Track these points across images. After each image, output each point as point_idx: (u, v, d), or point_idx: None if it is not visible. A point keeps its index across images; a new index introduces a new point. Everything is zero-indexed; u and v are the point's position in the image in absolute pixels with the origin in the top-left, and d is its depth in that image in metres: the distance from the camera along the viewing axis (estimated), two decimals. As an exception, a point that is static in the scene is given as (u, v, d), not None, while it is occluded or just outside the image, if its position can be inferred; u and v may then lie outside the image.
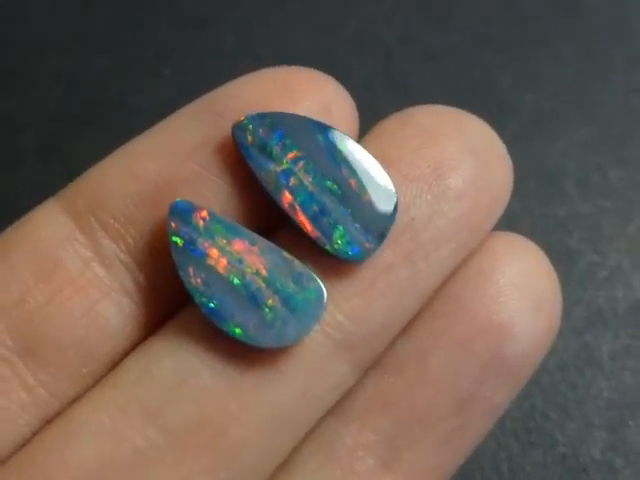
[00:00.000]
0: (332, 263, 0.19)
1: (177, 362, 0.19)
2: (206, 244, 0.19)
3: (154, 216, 0.19)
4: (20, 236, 0.20)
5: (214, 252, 0.19)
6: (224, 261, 0.18)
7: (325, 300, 0.19)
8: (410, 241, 0.20)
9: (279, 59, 0.21)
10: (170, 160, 0.19)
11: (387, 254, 0.20)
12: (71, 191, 0.20)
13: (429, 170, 0.20)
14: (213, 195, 0.19)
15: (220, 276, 0.18)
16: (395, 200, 0.19)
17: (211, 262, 0.18)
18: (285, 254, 0.19)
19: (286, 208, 0.19)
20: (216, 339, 0.19)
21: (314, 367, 0.19)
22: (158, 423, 0.18)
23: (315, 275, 0.19)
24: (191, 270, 0.18)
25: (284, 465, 0.20)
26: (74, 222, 0.19)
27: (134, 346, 0.19)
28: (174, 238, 0.19)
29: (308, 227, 0.19)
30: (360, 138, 0.20)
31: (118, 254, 0.19)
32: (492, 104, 0.34)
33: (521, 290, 0.20)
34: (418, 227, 0.20)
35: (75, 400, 0.19)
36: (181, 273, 0.18)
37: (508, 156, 0.21)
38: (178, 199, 0.19)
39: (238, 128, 0.19)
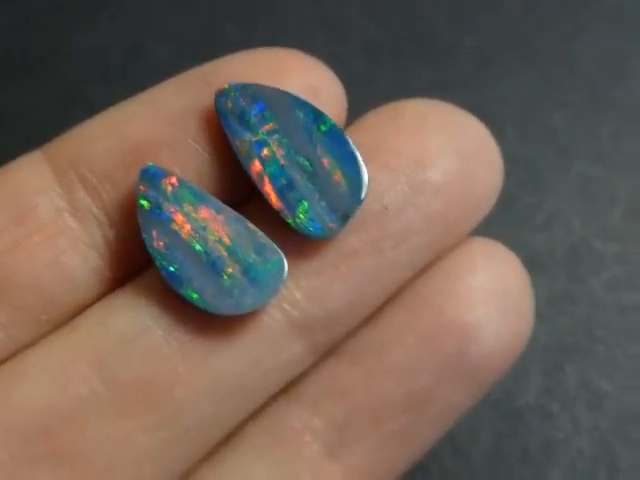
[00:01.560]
0: (297, 241, 0.19)
1: (132, 319, 0.19)
2: (172, 209, 0.19)
3: (131, 176, 0.19)
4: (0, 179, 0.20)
5: (179, 217, 0.19)
6: (188, 227, 0.19)
7: (285, 273, 0.19)
8: (379, 229, 0.20)
9: None
10: (154, 123, 0.19)
11: (354, 239, 0.20)
12: (55, 145, 0.20)
13: (409, 162, 0.20)
14: (190, 160, 0.19)
15: (183, 241, 0.19)
16: (364, 184, 0.19)
17: (175, 227, 0.19)
18: (250, 225, 0.19)
19: (254, 177, 0.19)
20: (173, 302, 0.19)
21: (267, 340, 0.19)
22: (105, 375, 0.18)
23: (278, 248, 0.19)
24: (154, 233, 0.19)
25: (228, 439, 0.20)
26: (54, 173, 0.20)
27: (95, 301, 0.19)
28: (141, 201, 0.19)
29: (273, 198, 0.19)
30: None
31: (92, 208, 0.19)
32: (432, 50, 0.33)
33: (492, 294, 0.20)
34: (389, 216, 0.20)
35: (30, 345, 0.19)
36: (144, 235, 0.19)
37: (499, 159, 0.21)
38: (150, 164, 0.19)
39: (220, 95, 0.19)
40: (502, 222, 0.29)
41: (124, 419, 0.18)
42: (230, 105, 0.19)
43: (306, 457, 0.20)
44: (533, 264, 0.28)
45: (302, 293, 0.19)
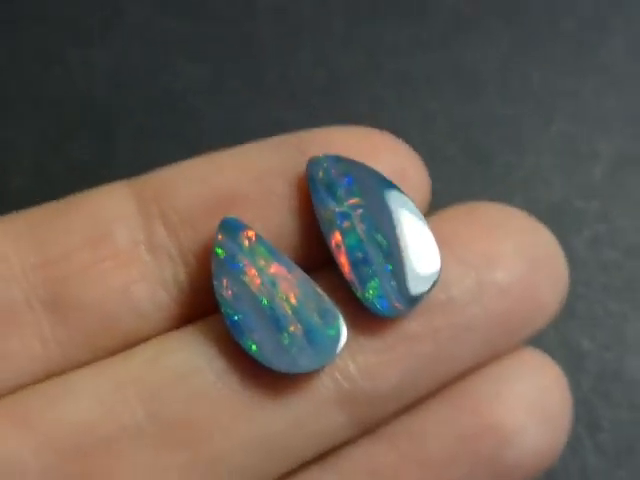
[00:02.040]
0: (362, 316, 0.20)
1: (186, 358, 0.19)
2: (246, 261, 0.19)
3: (211, 224, 0.20)
4: (83, 202, 0.20)
5: (251, 271, 0.19)
6: (258, 281, 0.19)
7: (344, 340, 0.19)
8: (442, 319, 0.20)
9: None
10: (242, 177, 0.20)
11: (416, 323, 0.20)
12: (143, 179, 0.20)
13: (481, 259, 0.20)
14: (272, 219, 0.20)
15: (251, 294, 0.19)
16: (437, 273, 0.20)
17: (245, 279, 0.19)
18: (318, 289, 0.19)
19: (333, 247, 0.20)
20: (231, 351, 0.19)
21: (313, 405, 0.19)
22: (149, 408, 0.19)
23: (340, 315, 0.19)
24: (225, 281, 0.19)
25: None
26: (137, 204, 0.20)
27: (153, 334, 0.20)
28: (217, 249, 0.19)
29: (346, 270, 0.20)
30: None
31: (168, 246, 0.20)
32: (412, 8, 0.33)
33: (534, 404, 0.21)
34: (454, 308, 0.20)
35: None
36: (215, 282, 0.19)
37: (565, 270, 0.21)
38: (231, 216, 0.20)
39: (313, 163, 0.20)
40: (481, 180, 0.28)
41: (160, 454, 0.19)
42: (321, 174, 0.20)
43: None
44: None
45: (356, 367, 0.20)
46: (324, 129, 0.21)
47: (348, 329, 0.19)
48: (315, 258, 0.20)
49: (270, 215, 0.20)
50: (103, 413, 0.19)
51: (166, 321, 0.20)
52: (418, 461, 0.20)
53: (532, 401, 0.21)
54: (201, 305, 0.20)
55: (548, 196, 0.29)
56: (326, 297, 0.19)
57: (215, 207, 0.20)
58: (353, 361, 0.20)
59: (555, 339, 0.28)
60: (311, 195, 0.20)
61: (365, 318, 0.20)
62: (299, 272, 0.20)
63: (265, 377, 0.19)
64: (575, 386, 0.24)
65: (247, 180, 0.20)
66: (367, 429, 0.20)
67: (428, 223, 0.20)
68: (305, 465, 0.20)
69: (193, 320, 0.20)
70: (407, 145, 0.21)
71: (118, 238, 0.20)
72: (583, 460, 0.26)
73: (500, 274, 0.20)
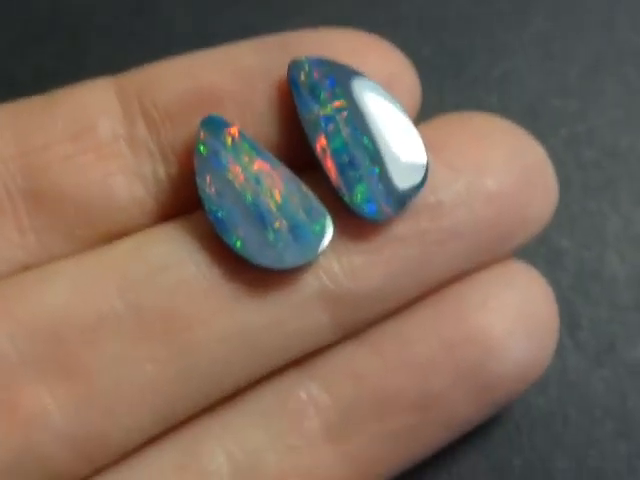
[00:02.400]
0: (348, 219, 0.20)
1: (168, 250, 0.19)
2: (229, 158, 0.19)
3: (192, 120, 0.20)
4: (66, 96, 0.20)
5: (235, 168, 0.19)
6: (242, 177, 0.19)
7: (330, 236, 0.19)
8: (430, 222, 0.20)
9: None
10: (224, 75, 0.20)
11: (403, 226, 0.20)
12: (127, 75, 0.21)
13: (471, 166, 0.20)
14: (252, 118, 0.20)
15: (235, 190, 0.19)
16: (423, 174, 0.20)
17: (229, 176, 0.19)
18: (303, 187, 0.19)
19: (318, 151, 0.19)
20: (214, 246, 0.19)
21: (296, 303, 0.19)
22: (129, 298, 0.19)
23: (327, 212, 0.19)
24: (208, 178, 0.19)
25: (234, 398, 0.20)
26: (119, 100, 0.20)
27: (133, 231, 0.20)
28: (200, 146, 0.19)
29: (333, 175, 0.19)
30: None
31: (148, 142, 0.20)
32: None
33: (521, 316, 0.21)
34: (442, 212, 0.20)
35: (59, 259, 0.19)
36: (198, 179, 0.19)
37: (555, 186, 0.22)
38: (214, 113, 0.19)
39: (295, 65, 0.20)
40: (456, 82, 0.28)
41: (138, 345, 0.19)
42: (303, 77, 0.20)
43: (305, 431, 0.20)
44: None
45: (341, 267, 0.20)
46: (311, 31, 0.21)
47: (334, 231, 0.19)
48: (298, 161, 0.20)
49: (252, 114, 0.20)
50: (81, 302, 0.19)
51: (145, 216, 0.20)
52: (402, 366, 0.20)
53: (519, 311, 0.21)
54: (181, 203, 0.20)
55: (524, 96, 0.29)
56: (311, 194, 0.19)
57: (197, 104, 0.20)
58: (338, 262, 0.20)
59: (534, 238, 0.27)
60: (294, 98, 0.20)
61: (352, 221, 0.20)
62: (283, 169, 0.20)
63: (247, 273, 0.19)
64: (554, 285, 0.23)
65: (230, 78, 0.20)
66: (350, 333, 0.20)
67: (419, 129, 0.20)
68: (285, 369, 0.20)
69: (174, 218, 0.20)
70: (396, 49, 0.21)
71: (99, 131, 0.20)
72: (563, 359, 0.26)
73: (490, 180, 0.20)
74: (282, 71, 0.20)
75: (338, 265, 0.20)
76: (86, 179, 0.20)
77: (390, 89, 0.20)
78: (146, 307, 0.19)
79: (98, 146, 0.20)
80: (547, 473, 0.24)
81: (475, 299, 0.21)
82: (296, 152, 0.20)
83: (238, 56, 0.20)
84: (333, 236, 0.19)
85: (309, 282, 0.19)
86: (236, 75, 0.20)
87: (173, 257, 0.19)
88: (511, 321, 0.21)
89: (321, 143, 0.19)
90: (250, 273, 0.19)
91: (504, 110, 0.28)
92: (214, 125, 0.19)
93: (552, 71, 0.29)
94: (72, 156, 0.20)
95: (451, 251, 0.20)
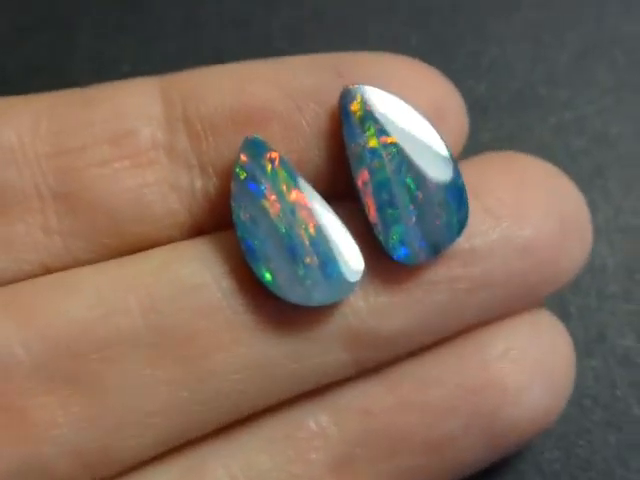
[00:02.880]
0: (380, 257, 0.19)
1: (194, 271, 0.19)
2: (267, 185, 0.19)
3: (235, 135, 0.19)
4: (108, 93, 0.20)
5: (272, 196, 0.19)
6: (278, 207, 0.19)
7: (360, 277, 0.19)
8: (461, 269, 0.20)
9: None
10: (275, 93, 0.19)
11: (433, 271, 0.19)
12: (174, 78, 0.20)
13: (510, 212, 0.20)
14: (300, 143, 0.19)
15: (269, 220, 0.19)
16: (465, 224, 0.19)
17: (265, 204, 0.19)
18: (339, 222, 0.19)
19: (359, 185, 0.19)
20: (241, 270, 0.19)
21: (316, 339, 0.19)
22: (149, 318, 0.18)
23: (359, 252, 0.19)
24: (243, 204, 0.19)
25: (245, 422, 0.20)
26: (163, 105, 0.20)
27: (163, 243, 0.19)
28: (238, 170, 0.19)
29: (372, 211, 0.19)
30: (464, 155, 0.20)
31: (188, 153, 0.20)
32: None
33: (541, 368, 0.21)
34: (475, 259, 0.20)
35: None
36: (233, 204, 0.19)
37: (590, 236, 0.21)
38: (255, 135, 0.19)
39: (348, 93, 0.19)
40: (444, 70, 0.27)
41: (154, 366, 0.18)
42: (355, 107, 0.19)
43: (310, 461, 0.20)
44: (477, 110, 0.27)
45: (367, 306, 0.19)
46: (366, 54, 0.20)
47: (365, 268, 0.19)
48: (339, 191, 0.20)
49: (298, 138, 0.20)
50: (102, 314, 0.18)
51: (177, 230, 0.20)
52: (415, 406, 0.20)
53: (539, 366, 0.21)
54: (216, 220, 0.20)
55: (513, 84, 0.29)
56: (346, 231, 0.19)
57: (243, 121, 0.19)
58: (364, 300, 0.19)
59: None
60: (343, 126, 0.19)
61: (383, 260, 0.19)
62: (321, 202, 0.19)
63: (271, 303, 0.19)
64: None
65: (280, 98, 0.20)
66: (369, 369, 0.20)
67: (463, 168, 0.19)
68: (298, 397, 0.20)
69: (207, 233, 0.19)
70: (450, 82, 0.21)
71: (138, 137, 0.19)
72: (552, 349, 0.25)
73: (527, 232, 0.20)
74: (334, 96, 0.20)
75: (364, 303, 0.19)
76: (120, 187, 0.19)
77: (439, 123, 0.20)
78: (167, 328, 0.18)
79: (136, 153, 0.19)
80: (536, 463, 0.24)
81: (497, 348, 0.21)
82: (338, 182, 0.20)
83: (290, 75, 0.20)
84: (363, 275, 0.19)
85: (333, 318, 0.19)
86: (287, 96, 0.20)
87: (199, 280, 0.19)
88: (530, 374, 0.21)
89: (364, 177, 0.19)
90: (275, 304, 0.19)
91: (494, 98, 0.28)
92: (255, 148, 0.19)
93: (541, 59, 0.29)
94: (108, 161, 0.19)
95: (480, 299, 0.20)
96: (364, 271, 0.19)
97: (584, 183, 0.27)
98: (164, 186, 0.19)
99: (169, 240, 0.20)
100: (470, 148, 0.27)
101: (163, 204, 0.20)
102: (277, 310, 0.19)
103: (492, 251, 0.20)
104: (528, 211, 0.20)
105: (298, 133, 0.20)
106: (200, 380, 0.19)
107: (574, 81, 0.29)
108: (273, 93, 0.19)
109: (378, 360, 0.20)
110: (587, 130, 0.28)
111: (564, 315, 0.26)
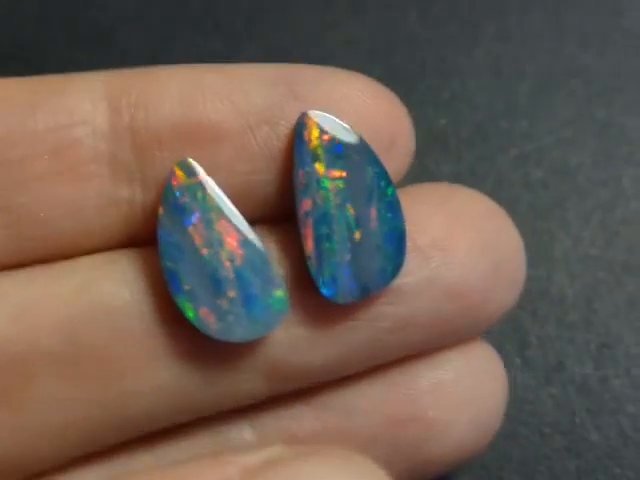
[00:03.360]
0: (307, 287, 0.19)
1: (115, 292, 0.19)
2: (196, 212, 0.18)
3: (183, 152, 0.19)
4: (53, 93, 0.19)
5: (200, 223, 0.18)
6: (204, 235, 0.18)
7: (284, 314, 0.18)
8: (387, 307, 0.19)
9: None
10: (228, 111, 0.19)
11: (359, 308, 0.19)
12: (124, 78, 0.19)
13: (442, 253, 0.20)
14: (247, 165, 0.19)
15: (195, 248, 0.18)
16: (398, 271, 0.19)
17: (192, 231, 0.18)
18: (267, 256, 0.18)
19: (300, 214, 0.19)
20: (164, 294, 0.18)
21: (233, 367, 0.19)
22: (68, 336, 0.18)
23: (286, 290, 0.18)
24: (170, 229, 0.18)
25: (172, 431, 0.20)
26: (109, 113, 0.19)
27: (97, 251, 0.19)
28: (168, 191, 0.18)
29: (309, 242, 0.19)
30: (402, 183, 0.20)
31: (131, 166, 0.19)
32: None
33: (470, 406, 0.20)
34: (401, 298, 0.19)
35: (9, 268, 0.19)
36: (160, 227, 0.18)
37: (522, 280, 0.21)
38: (190, 159, 0.18)
39: (305, 120, 0.19)
40: (406, 104, 0.28)
41: (69, 384, 0.18)
42: (309, 135, 0.19)
43: (224, 475, 0.19)
44: (438, 142, 0.27)
45: (287, 339, 0.19)
46: (321, 69, 0.20)
47: (291, 300, 0.19)
48: (279, 216, 0.20)
49: (247, 158, 0.19)
50: (20, 332, 0.18)
51: (113, 242, 0.19)
52: (340, 434, 0.20)
53: (468, 398, 0.21)
54: (153, 233, 0.19)
55: (473, 117, 0.29)
56: (274, 265, 0.19)
57: (191, 137, 0.19)
58: (286, 332, 0.19)
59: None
60: (294, 152, 0.19)
61: (311, 291, 0.19)
62: (250, 232, 0.19)
63: (189, 328, 0.19)
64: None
65: (232, 115, 0.19)
66: (294, 394, 0.20)
67: (400, 196, 0.19)
68: (223, 416, 0.20)
69: (140, 243, 0.19)
70: (404, 109, 0.20)
71: (81, 149, 0.19)
72: (513, 377, 0.26)
73: (457, 273, 0.20)
74: (287, 118, 0.19)
75: (285, 335, 0.19)
76: (58, 198, 0.19)
77: (389, 147, 0.20)
78: (84, 348, 0.18)
79: (77, 164, 0.19)
80: (496, 491, 0.25)
81: (426, 380, 0.20)
82: (281, 207, 0.20)
83: (244, 92, 0.19)
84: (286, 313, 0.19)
85: (251, 349, 0.19)
86: (240, 115, 0.19)
87: (119, 302, 0.19)
88: (458, 408, 0.21)
89: (306, 207, 0.19)
90: (191, 328, 0.19)
91: (454, 131, 0.29)
92: (188, 172, 0.19)
93: (501, 91, 0.30)
94: (48, 173, 0.19)
95: (404, 338, 0.20)
96: (289, 307, 0.19)
97: (544, 214, 0.28)
98: (103, 199, 0.19)
99: (105, 248, 0.20)
100: (430, 181, 0.27)
101: (101, 217, 0.19)
102: (194, 336, 0.19)
103: (419, 291, 0.19)
104: (460, 252, 0.20)
105: (248, 154, 0.19)
106: (112, 400, 0.19)
107: (534, 113, 0.29)
108: (225, 111, 0.19)
109: (294, 387, 0.20)
110: (546, 161, 0.29)
111: (524, 344, 0.26)
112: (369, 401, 0.20)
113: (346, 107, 0.19)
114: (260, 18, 0.31)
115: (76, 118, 0.19)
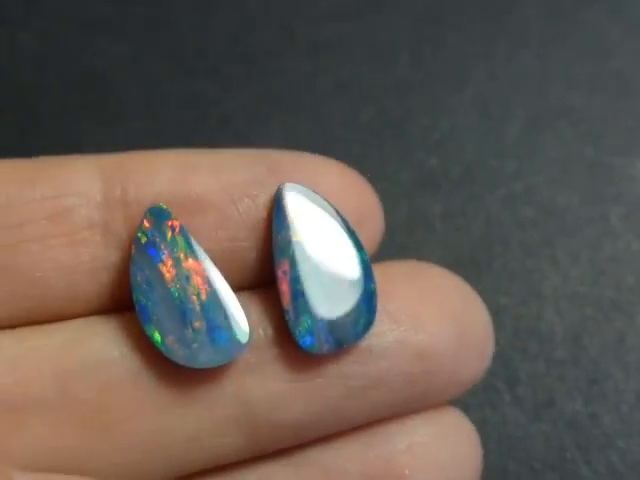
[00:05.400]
0: (287, 344, 0.20)
1: (103, 347, 0.19)
2: (166, 251, 0.20)
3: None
4: (51, 172, 0.20)
5: (169, 261, 0.20)
6: (173, 272, 0.19)
7: (246, 345, 0.19)
8: (356, 366, 0.20)
9: None
10: (212, 185, 0.20)
11: (333, 365, 0.20)
12: (115, 159, 0.20)
13: (409, 319, 0.20)
14: (231, 232, 0.20)
15: (164, 283, 0.19)
16: (371, 326, 0.20)
17: (162, 268, 0.19)
18: (230, 293, 0.20)
19: (279, 273, 0.20)
20: (149, 350, 0.19)
21: (215, 420, 0.20)
22: (60, 387, 0.19)
23: (246, 322, 0.20)
24: (141, 267, 0.19)
25: None
26: (102, 185, 0.20)
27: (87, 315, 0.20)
28: (140, 234, 0.20)
29: (286, 298, 0.20)
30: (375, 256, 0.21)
31: (122, 234, 0.20)
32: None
33: (443, 467, 0.21)
34: (369, 358, 0.20)
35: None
36: (132, 267, 0.19)
37: (490, 352, 0.22)
38: (161, 204, 0.20)
39: (284, 190, 0.20)
40: (396, 144, 0.28)
41: (60, 433, 0.19)
42: (289, 202, 0.20)
43: None
44: (428, 183, 0.28)
45: (263, 394, 0.20)
46: (299, 154, 0.21)
47: (270, 354, 0.20)
48: (262, 279, 0.20)
49: (231, 227, 0.20)
50: (15, 380, 0.19)
51: (105, 303, 0.20)
52: None
53: (441, 463, 0.21)
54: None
55: (463, 157, 0.29)
56: (236, 300, 0.20)
57: (178, 207, 0.20)
58: (262, 387, 0.20)
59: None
60: (273, 219, 0.20)
61: (290, 348, 0.20)
62: (215, 272, 0.20)
63: (173, 384, 0.20)
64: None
65: (216, 189, 0.20)
66: (273, 451, 0.20)
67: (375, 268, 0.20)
68: (208, 474, 0.20)
69: (129, 306, 0.20)
70: (374, 192, 0.22)
71: (75, 217, 0.20)
72: (503, 414, 0.26)
73: (423, 336, 0.20)
74: (266, 191, 0.21)
75: (262, 391, 0.20)
76: (52, 262, 0.20)
77: (360, 225, 0.21)
78: (75, 400, 0.19)
79: (72, 231, 0.20)
80: (487, 527, 0.25)
81: (401, 442, 0.21)
82: (263, 273, 0.21)
83: (227, 169, 0.21)
84: (264, 358, 0.20)
85: (231, 401, 0.20)
86: (223, 189, 0.20)
87: (107, 356, 0.19)
88: (433, 471, 0.21)
89: (284, 267, 0.20)
90: (173, 383, 0.20)
91: (444, 172, 0.29)
92: (158, 215, 0.20)
93: (490, 132, 0.30)
94: (44, 237, 0.20)
95: (373, 398, 0.20)
96: (250, 339, 0.20)
97: (533, 252, 0.28)
98: (96, 264, 0.20)
99: (94, 312, 0.20)
100: (421, 221, 0.28)
101: (92, 281, 0.20)
102: (176, 390, 0.20)
103: (387, 352, 0.20)
104: (426, 318, 0.21)
105: (231, 223, 0.20)
106: (101, 450, 0.19)
107: (522, 153, 0.30)
108: (210, 185, 0.20)
109: (276, 445, 0.21)
110: (535, 200, 0.29)
111: (514, 380, 0.27)
112: (347, 460, 0.21)
113: (318, 188, 0.21)
114: (254, 62, 0.31)
115: (72, 189, 0.20)
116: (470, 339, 0.21)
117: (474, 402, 0.25)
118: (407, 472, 0.20)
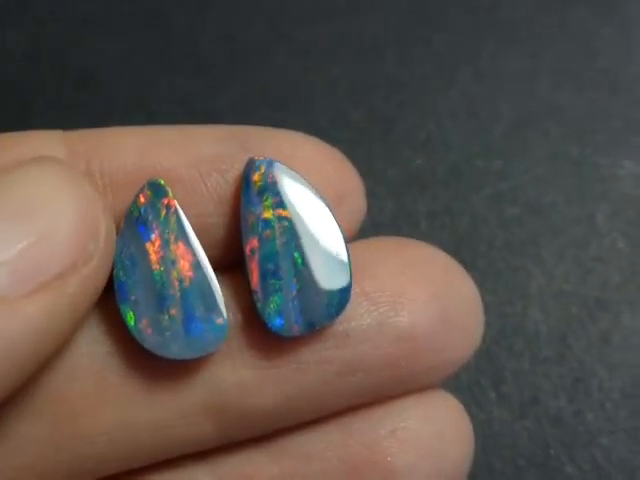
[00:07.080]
0: (257, 328, 0.19)
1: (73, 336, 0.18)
2: (156, 231, 0.19)
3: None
4: (12, 141, 0.20)
5: (157, 241, 0.19)
6: (160, 254, 0.19)
7: (221, 343, 0.19)
8: (332, 351, 0.19)
9: None
10: (179, 159, 0.19)
11: (306, 350, 0.19)
12: (80, 133, 0.20)
13: (389, 299, 0.19)
14: (200, 209, 0.19)
15: (148, 264, 0.19)
16: (344, 307, 0.19)
17: (149, 247, 0.19)
18: (216, 284, 0.19)
19: (247, 251, 0.19)
20: (119, 336, 0.19)
21: (182, 408, 0.19)
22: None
23: (226, 318, 0.19)
24: (128, 243, 0.19)
25: (132, 474, 0.20)
26: (66, 155, 0.19)
27: None
28: (133, 208, 0.19)
29: (254, 278, 0.19)
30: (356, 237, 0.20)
31: None
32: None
33: (429, 453, 0.20)
34: (347, 343, 0.19)
35: None
36: (119, 241, 0.18)
37: (479, 330, 0.21)
38: (160, 179, 0.19)
39: (253, 163, 0.19)
40: (384, 143, 0.29)
41: (23, 422, 0.18)
42: (257, 177, 0.19)
43: None
44: (414, 182, 0.28)
45: (234, 380, 0.19)
46: (273, 130, 0.20)
47: (239, 339, 0.19)
48: (231, 258, 0.20)
49: (198, 203, 0.20)
50: None
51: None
52: (297, 478, 0.20)
53: (427, 447, 0.20)
54: (104, 274, 0.19)
55: (449, 156, 0.30)
56: (219, 293, 0.19)
57: (144, 181, 0.19)
58: (233, 374, 0.19)
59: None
60: (242, 194, 0.19)
61: (260, 332, 0.19)
62: (203, 260, 0.19)
63: (141, 372, 0.19)
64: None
65: (182, 163, 0.20)
66: (252, 438, 0.20)
67: (352, 249, 0.19)
68: (181, 460, 0.20)
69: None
70: (354, 168, 0.21)
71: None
72: (488, 412, 0.26)
73: (404, 318, 0.19)
74: (237, 167, 0.20)
75: (232, 377, 0.19)
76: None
77: (338, 204, 0.20)
78: (40, 389, 0.18)
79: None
80: (471, 524, 0.25)
81: (385, 426, 0.20)
82: (232, 250, 0.20)
83: (197, 142, 0.20)
84: (232, 344, 0.19)
85: (198, 389, 0.19)
86: (190, 163, 0.20)
87: (74, 343, 0.19)
88: (417, 455, 0.20)
89: (252, 245, 0.19)
90: (143, 372, 0.19)
91: (430, 171, 0.29)
92: (155, 191, 0.19)
93: (476, 131, 0.30)
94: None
95: (352, 383, 0.19)
96: (227, 334, 0.19)
97: (518, 251, 0.28)
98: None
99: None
100: (407, 220, 0.28)
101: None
102: (145, 379, 0.19)
103: (365, 335, 0.19)
104: (408, 297, 0.20)
105: (199, 199, 0.20)
106: (65, 440, 0.19)
107: (508, 152, 0.30)
108: (178, 159, 0.20)
109: (247, 434, 0.20)
110: (521, 199, 0.29)
111: (499, 379, 0.27)
112: (327, 446, 0.20)
113: (294, 163, 0.20)
114: (242, 60, 0.31)
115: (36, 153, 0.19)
116: (456, 317, 0.20)
117: (459, 400, 0.25)
118: (389, 459, 0.20)
